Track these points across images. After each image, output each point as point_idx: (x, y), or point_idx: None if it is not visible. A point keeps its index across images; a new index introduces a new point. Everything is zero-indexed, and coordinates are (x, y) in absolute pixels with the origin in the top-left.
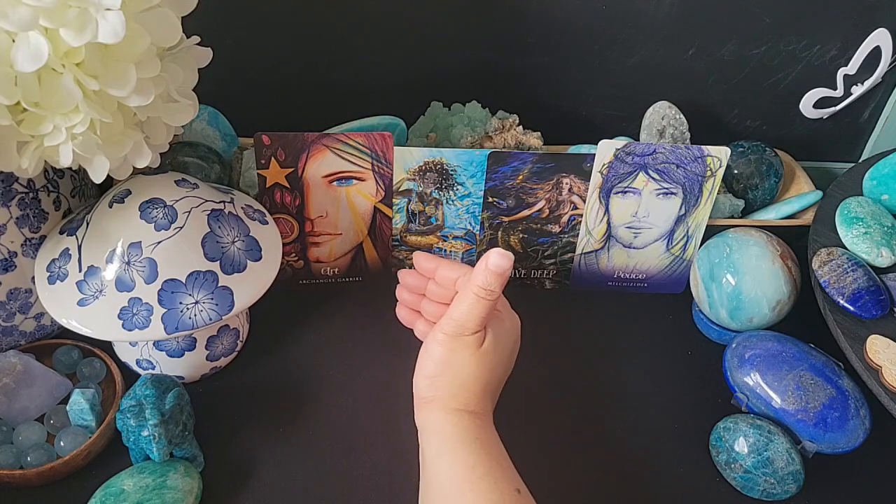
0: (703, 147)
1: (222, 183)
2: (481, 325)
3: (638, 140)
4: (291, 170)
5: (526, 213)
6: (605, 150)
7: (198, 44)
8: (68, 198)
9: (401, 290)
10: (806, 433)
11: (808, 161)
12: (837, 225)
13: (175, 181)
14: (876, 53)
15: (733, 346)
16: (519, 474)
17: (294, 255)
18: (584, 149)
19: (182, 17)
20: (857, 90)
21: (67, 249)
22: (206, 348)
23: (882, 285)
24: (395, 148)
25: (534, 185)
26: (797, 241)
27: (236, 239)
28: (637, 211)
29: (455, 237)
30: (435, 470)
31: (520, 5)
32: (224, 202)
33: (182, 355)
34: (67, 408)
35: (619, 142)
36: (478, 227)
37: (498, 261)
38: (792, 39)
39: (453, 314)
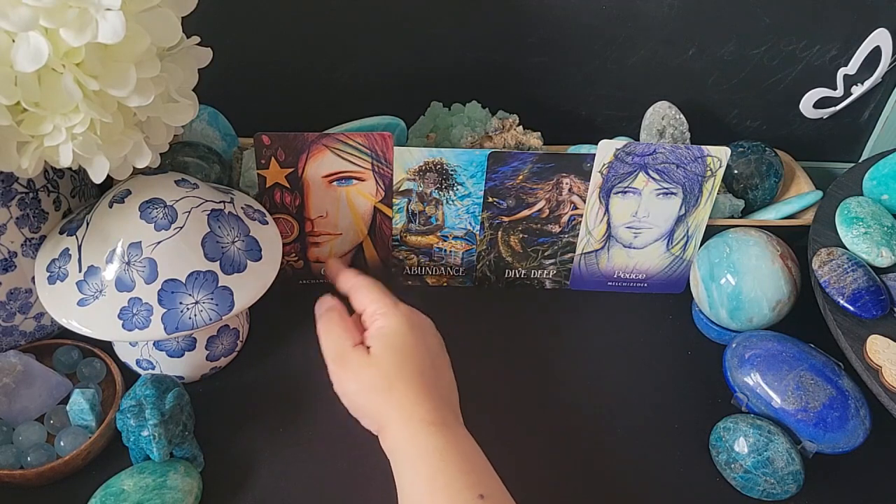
0: (703, 147)
1: (222, 183)
2: (351, 337)
3: (638, 140)
4: (291, 170)
5: (526, 213)
6: (605, 150)
7: (198, 44)
8: (68, 198)
9: None
10: (806, 433)
11: (808, 161)
12: (837, 225)
13: (175, 181)
14: (876, 53)
15: (733, 346)
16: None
17: (294, 255)
18: (584, 149)
19: (182, 17)
20: (857, 90)
21: (67, 249)
22: (206, 348)
23: (882, 285)
24: (395, 148)
25: (534, 185)
26: (797, 241)
27: (236, 239)
28: (637, 211)
29: (455, 237)
30: (400, 486)
31: (520, 5)
32: (224, 202)
33: (182, 355)
34: (67, 408)
35: (619, 142)
36: (478, 227)
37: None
38: (792, 39)
39: (323, 350)
